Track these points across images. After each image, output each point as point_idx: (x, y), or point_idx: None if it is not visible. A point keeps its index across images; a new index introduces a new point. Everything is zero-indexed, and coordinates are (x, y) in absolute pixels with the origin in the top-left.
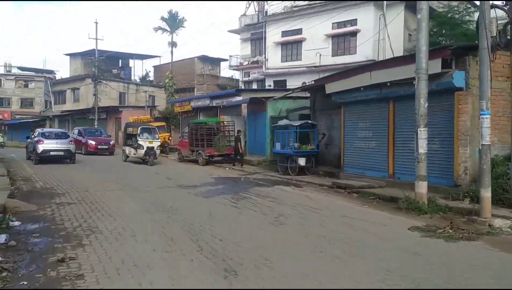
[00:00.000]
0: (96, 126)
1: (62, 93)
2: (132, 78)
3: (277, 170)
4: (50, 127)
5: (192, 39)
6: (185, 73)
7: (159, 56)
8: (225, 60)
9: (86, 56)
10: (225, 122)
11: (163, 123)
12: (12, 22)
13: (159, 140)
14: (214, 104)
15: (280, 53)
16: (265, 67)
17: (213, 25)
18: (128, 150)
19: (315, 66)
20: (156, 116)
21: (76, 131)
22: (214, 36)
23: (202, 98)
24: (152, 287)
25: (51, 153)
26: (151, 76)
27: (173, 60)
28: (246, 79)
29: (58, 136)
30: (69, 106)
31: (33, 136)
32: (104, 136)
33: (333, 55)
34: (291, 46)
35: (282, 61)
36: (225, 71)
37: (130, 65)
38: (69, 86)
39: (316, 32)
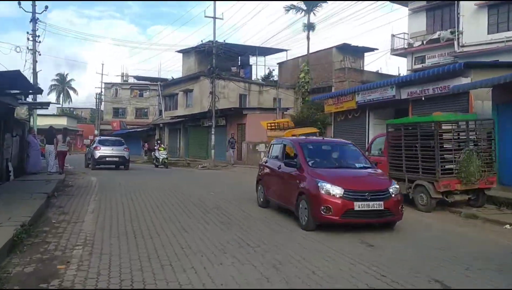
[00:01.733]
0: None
1: (173, 96)
2: (253, 77)
3: None
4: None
5: (333, 22)
6: (321, 67)
7: (286, 50)
8: (371, 49)
9: (200, 48)
10: (469, 122)
11: (314, 130)
12: (132, 38)
13: None
14: (403, 96)
15: (486, 21)
16: (457, 44)
17: None
18: None
19: None
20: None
21: (277, 149)
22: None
23: (380, 88)
24: None
25: (107, 159)
26: (275, 76)
27: (309, 50)
28: (419, 66)
29: (113, 143)
30: (180, 111)
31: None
32: (369, 171)
33: None
34: (508, 6)
35: (489, 33)
36: (369, 65)
37: (251, 62)
38: (181, 88)
39: None
